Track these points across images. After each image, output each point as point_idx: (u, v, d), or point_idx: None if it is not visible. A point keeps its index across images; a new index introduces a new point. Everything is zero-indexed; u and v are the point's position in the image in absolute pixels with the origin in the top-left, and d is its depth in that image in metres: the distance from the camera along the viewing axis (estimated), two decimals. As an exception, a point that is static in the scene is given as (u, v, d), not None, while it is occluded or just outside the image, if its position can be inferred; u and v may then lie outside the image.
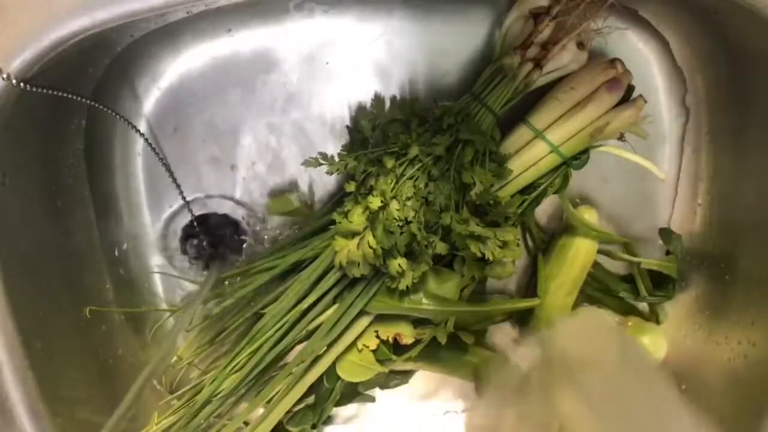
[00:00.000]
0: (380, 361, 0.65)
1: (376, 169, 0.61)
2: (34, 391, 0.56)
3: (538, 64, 0.60)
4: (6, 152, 0.55)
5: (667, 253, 0.72)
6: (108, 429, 0.57)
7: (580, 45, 0.61)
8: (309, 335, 0.64)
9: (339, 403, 0.68)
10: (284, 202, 0.68)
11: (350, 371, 0.64)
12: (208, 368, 0.66)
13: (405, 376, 0.72)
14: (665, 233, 0.72)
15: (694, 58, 0.67)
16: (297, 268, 0.65)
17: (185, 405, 0.63)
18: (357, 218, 0.59)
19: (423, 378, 0.74)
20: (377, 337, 0.64)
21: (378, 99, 0.68)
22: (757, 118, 0.62)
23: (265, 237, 0.72)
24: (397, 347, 0.65)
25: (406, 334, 0.64)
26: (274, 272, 0.65)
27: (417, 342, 0.65)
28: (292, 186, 0.70)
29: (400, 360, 0.64)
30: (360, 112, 0.66)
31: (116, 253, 0.70)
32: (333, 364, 0.65)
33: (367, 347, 0.64)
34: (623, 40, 0.67)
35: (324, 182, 0.70)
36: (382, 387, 0.72)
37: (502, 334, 0.70)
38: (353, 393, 0.70)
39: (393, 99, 0.68)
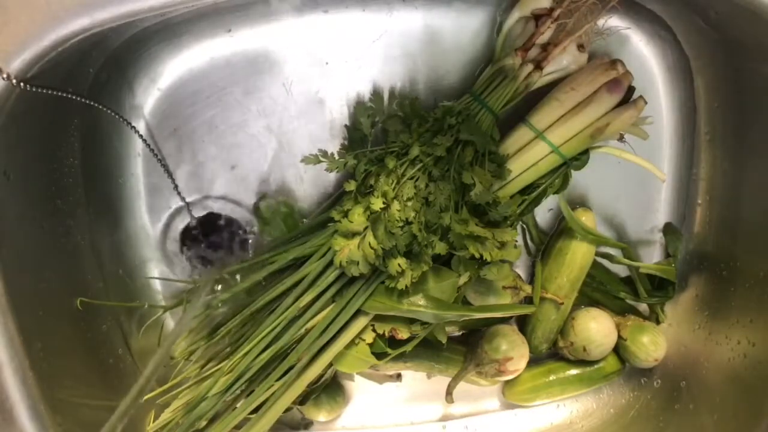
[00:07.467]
0: (376, 354, 0.65)
1: (376, 168, 0.61)
2: (34, 391, 0.56)
3: (538, 65, 0.60)
4: (6, 152, 0.55)
5: (667, 255, 0.72)
6: (108, 429, 0.57)
7: (580, 47, 0.61)
8: (308, 333, 0.64)
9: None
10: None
11: (346, 363, 0.65)
12: (204, 365, 0.66)
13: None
14: (669, 229, 0.72)
15: (694, 58, 0.67)
16: (295, 265, 0.65)
17: (182, 403, 0.63)
18: (357, 218, 0.59)
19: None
20: (373, 330, 0.64)
21: (377, 94, 0.68)
22: (756, 118, 0.62)
23: (265, 238, 0.72)
24: (393, 342, 0.65)
25: (402, 329, 0.64)
26: (271, 268, 0.65)
27: (412, 338, 0.65)
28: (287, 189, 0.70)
29: (394, 353, 0.65)
30: (359, 109, 0.66)
31: (116, 253, 0.70)
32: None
33: (363, 340, 0.64)
34: (624, 41, 0.67)
35: (322, 179, 0.70)
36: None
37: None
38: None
39: (392, 94, 0.68)
